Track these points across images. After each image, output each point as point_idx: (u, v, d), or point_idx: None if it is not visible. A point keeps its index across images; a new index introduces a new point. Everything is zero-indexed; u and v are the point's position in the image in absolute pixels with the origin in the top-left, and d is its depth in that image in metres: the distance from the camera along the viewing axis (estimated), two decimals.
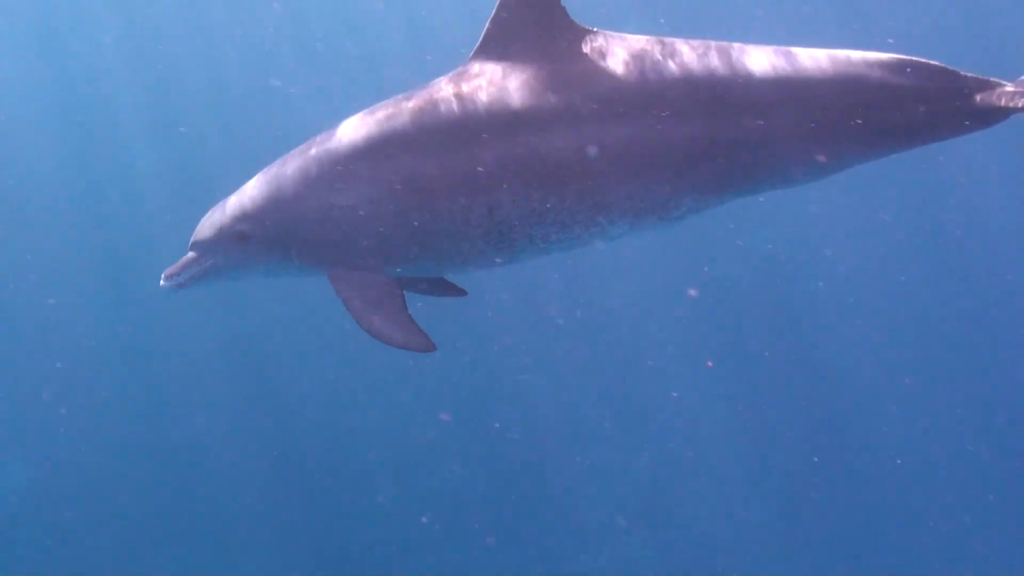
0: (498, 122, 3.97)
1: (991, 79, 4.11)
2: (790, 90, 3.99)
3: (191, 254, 4.76)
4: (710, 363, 13.24)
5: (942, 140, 4.27)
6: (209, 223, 4.70)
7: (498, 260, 4.34)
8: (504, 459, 13.03)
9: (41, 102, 18.46)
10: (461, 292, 4.84)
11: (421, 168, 4.06)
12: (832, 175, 4.31)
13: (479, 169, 3.98)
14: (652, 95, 3.93)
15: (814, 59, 4.05)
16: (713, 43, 4.05)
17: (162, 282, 4.79)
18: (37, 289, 15.29)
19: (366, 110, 4.30)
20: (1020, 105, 4.00)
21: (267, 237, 4.50)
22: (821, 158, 4.16)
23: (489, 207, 4.05)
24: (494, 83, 4.01)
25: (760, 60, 4.02)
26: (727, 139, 3.98)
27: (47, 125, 18.08)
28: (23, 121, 18.13)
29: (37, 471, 14.07)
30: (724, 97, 3.95)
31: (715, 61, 3.98)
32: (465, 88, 4.03)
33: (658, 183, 4.03)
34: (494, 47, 4.06)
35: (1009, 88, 4.08)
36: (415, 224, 4.14)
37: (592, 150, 3.94)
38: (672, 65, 3.96)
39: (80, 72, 18.84)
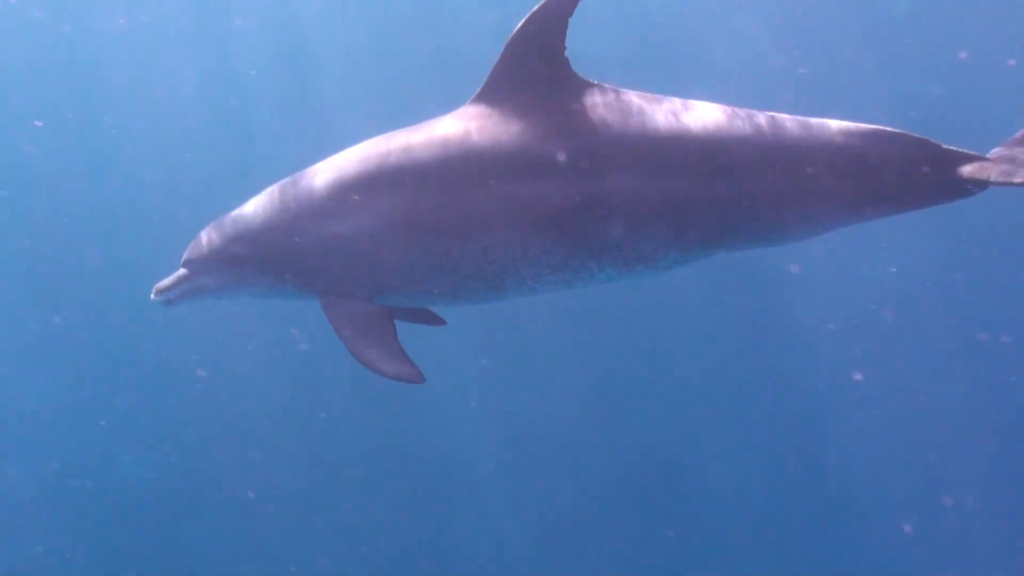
0: (498, 166, 4.06)
1: (969, 152, 4.28)
2: (777, 154, 4.13)
3: (183, 271, 4.81)
4: None
5: (921, 208, 4.40)
6: (204, 242, 4.73)
7: (488, 297, 4.42)
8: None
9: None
10: (440, 321, 4.91)
11: (420, 205, 4.12)
12: (813, 237, 4.47)
13: (477, 210, 4.07)
14: (647, 151, 4.05)
15: (802, 126, 4.21)
16: (707, 104, 4.20)
17: (152, 296, 4.84)
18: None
19: (369, 141, 4.36)
20: (996, 178, 4.15)
21: (261, 261, 4.54)
22: (803, 221, 4.32)
23: (484, 247, 4.14)
24: (496, 126, 4.09)
25: (751, 124, 4.16)
26: (716, 197, 4.12)
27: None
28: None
29: (149, 464, 14.22)
30: (715, 157, 4.09)
31: (709, 122, 4.12)
32: (468, 129, 4.12)
33: (648, 235, 4.16)
34: (497, 91, 4.15)
35: (986, 161, 4.24)
36: (410, 259, 4.21)
37: (587, 200, 4.04)
38: (668, 123, 4.08)
39: None
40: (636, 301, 13.49)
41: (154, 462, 14.05)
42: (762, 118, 4.20)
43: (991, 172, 4.17)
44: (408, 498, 13.19)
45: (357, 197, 4.22)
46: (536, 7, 3.96)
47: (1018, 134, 4.36)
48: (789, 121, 4.23)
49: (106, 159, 17.30)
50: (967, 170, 4.21)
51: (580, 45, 4.17)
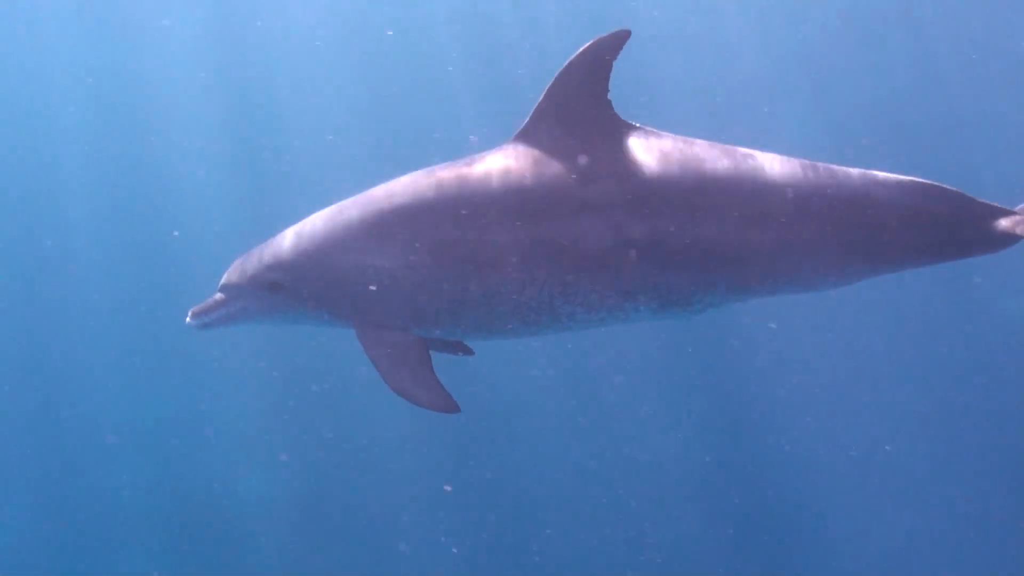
0: (538, 204, 4.11)
1: (1001, 206, 4.39)
2: (814, 203, 4.20)
3: (219, 296, 4.83)
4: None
5: (951, 261, 4.51)
6: (242, 268, 4.76)
7: (522, 332, 4.46)
8: None
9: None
10: (469, 352, 4.92)
11: (460, 239, 4.17)
12: (845, 286, 4.53)
13: (516, 247, 4.12)
14: (686, 195, 4.11)
15: (839, 176, 4.29)
16: (745, 151, 4.27)
17: (188, 319, 4.86)
18: None
19: (412, 174, 4.41)
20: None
21: (299, 289, 4.56)
22: (838, 271, 4.39)
23: (521, 284, 4.18)
24: (537, 165, 4.15)
25: (788, 172, 4.23)
26: (751, 244, 4.17)
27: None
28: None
29: (270, 481, 14.28)
30: (752, 204, 4.15)
31: (747, 169, 4.18)
32: (510, 166, 4.17)
33: (684, 279, 4.21)
34: (540, 130, 4.21)
35: (1017, 216, 4.37)
36: (448, 292, 4.24)
37: (625, 242, 4.09)
38: (706, 168, 4.15)
39: None
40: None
41: (273, 477, 14.11)
42: (799, 166, 4.27)
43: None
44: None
45: (399, 229, 4.27)
46: (583, 48, 4.03)
47: None
48: (825, 170, 4.30)
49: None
50: (1004, 224, 4.33)
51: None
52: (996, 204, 4.38)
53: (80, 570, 13.46)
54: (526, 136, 4.26)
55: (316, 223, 4.57)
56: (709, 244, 4.14)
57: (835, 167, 4.34)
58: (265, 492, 14.03)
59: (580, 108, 4.14)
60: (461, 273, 4.20)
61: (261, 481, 14.15)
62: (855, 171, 4.33)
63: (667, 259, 4.15)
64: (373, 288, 4.34)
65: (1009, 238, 4.34)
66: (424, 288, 4.26)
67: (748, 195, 4.16)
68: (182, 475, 14.19)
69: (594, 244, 4.10)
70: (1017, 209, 4.45)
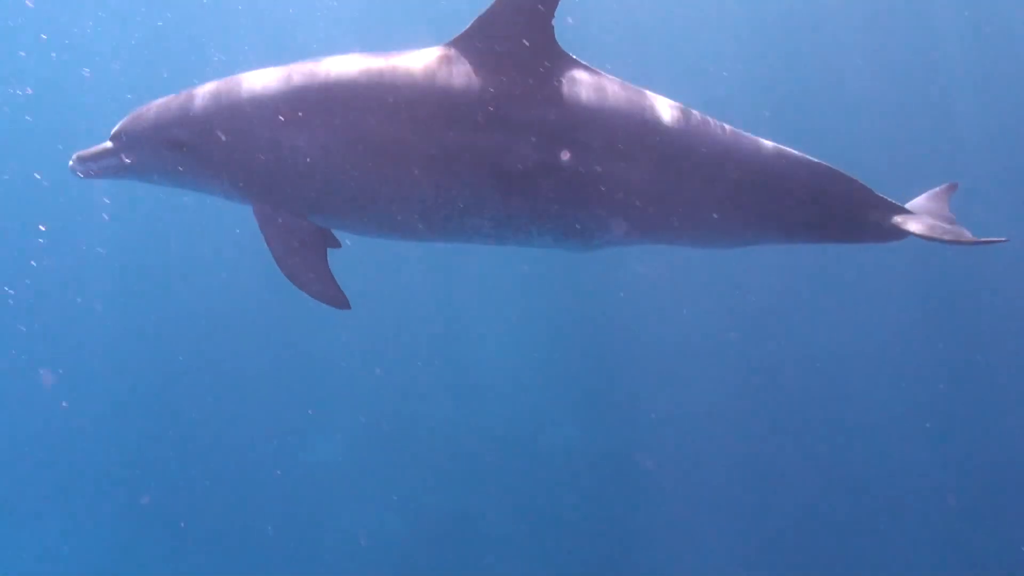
0: (464, 111, 4.09)
1: (896, 203, 4.62)
2: (724, 164, 4.34)
3: (109, 144, 4.58)
4: None
5: (839, 243, 4.76)
6: (144, 118, 4.50)
7: (425, 236, 4.45)
8: None
9: None
10: (336, 244, 4.69)
11: (382, 132, 4.11)
12: (740, 247, 4.72)
13: (437, 149, 4.10)
14: (604, 133, 4.17)
15: (752, 143, 4.44)
16: (671, 103, 4.36)
17: (71, 162, 4.60)
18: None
19: (342, 56, 4.29)
20: (919, 231, 4.52)
21: (204, 153, 4.36)
22: (735, 232, 4.56)
23: (436, 187, 4.16)
24: (469, 73, 4.12)
25: (705, 130, 4.35)
26: (659, 192, 4.28)
27: None
28: None
29: (342, 446, 14.32)
30: (665, 154, 4.25)
31: (668, 119, 4.28)
32: (442, 68, 4.13)
33: (591, 212, 4.28)
34: (477, 39, 4.16)
35: (909, 214, 4.62)
36: (359, 182, 4.18)
37: (540, 166, 4.13)
38: (631, 112, 4.21)
39: None
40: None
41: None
42: (718, 127, 4.39)
43: (914, 226, 4.54)
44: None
45: (320, 109, 4.16)
46: None
47: (936, 191, 4.84)
48: (743, 137, 4.44)
49: None
50: (895, 220, 4.56)
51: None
52: (891, 199, 4.60)
53: None
54: (463, 42, 4.20)
55: (235, 87, 4.36)
56: (617, 184, 4.22)
57: (751, 136, 4.47)
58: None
59: (522, 27, 4.10)
60: (377, 165, 4.14)
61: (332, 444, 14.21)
62: (769, 143, 4.48)
63: (577, 190, 4.21)
64: (283, 165, 4.22)
65: (897, 233, 4.58)
66: (336, 174, 4.18)
67: (662, 144, 4.25)
68: None
69: (510, 162, 4.12)
70: (907, 205, 4.70)
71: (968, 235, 4.51)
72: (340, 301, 4.33)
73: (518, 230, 4.36)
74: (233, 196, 4.52)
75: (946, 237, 4.47)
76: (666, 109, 4.30)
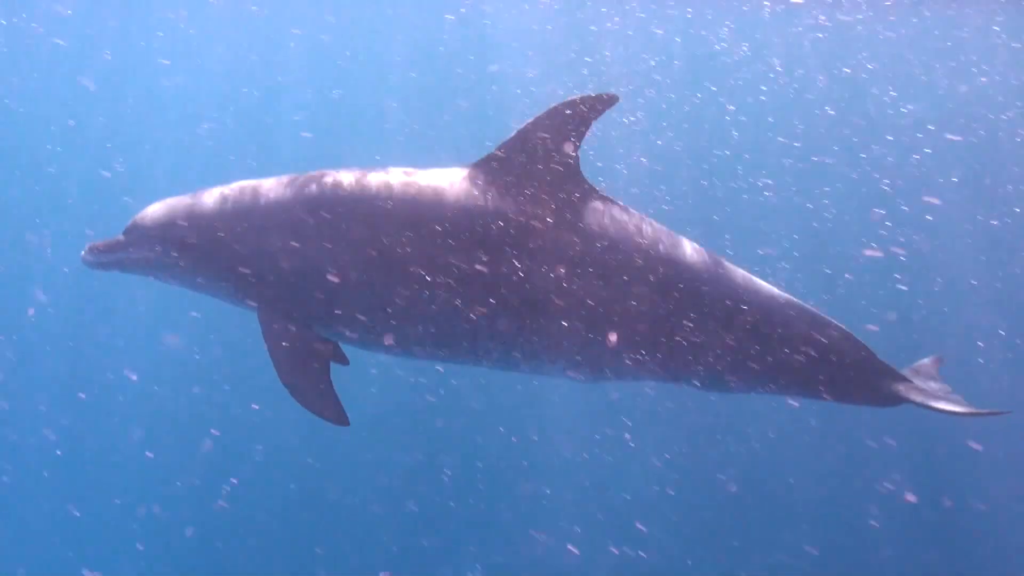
0: (483, 235, 4.03)
1: (896, 369, 4.58)
2: (741, 308, 4.28)
3: (122, 238, 4.54)
4: None
5: (834, 402, 4.64)
6: (155, 216, 4.46)
7: (434, 356, 4.34)
8: None
9: None
10: (344, 360, 4.57)
11: (398, 250, 4.03)
12: (742, 392, 4.61)
13: (453, 271, 4.02)
14: (624, 267, 4.11)
15: (769, 293, 4.40)
16: (697, 246, 4.32)
17: (83, 253, 4.58)
18: None
19: (360, 170, 4.24)
20: (915, 398, 4.48)
21: (210, 254, 4.30)
22: (742, 374, 4.43)
23: (450, 309, 4.06)
24: (492, 197, 4.09)
25: (726, 273, 4.31)
26: (676, 329, 4.20)
27: None
28: None
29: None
30: (685, 293, 4.19)
31: (691, 261, 4.24)
32: (465, 190, 4.10)
33: (604, 345, 4.17)
34: (502, 164, 4.13)
35: (908, 380, 4.58)
36: (372, 300, 4.08)
37: (556, 295, 4.05)
38: (652, 249, 4.17)
39: None
40: None
41: None
42: (733, 271, 4.35)
43: (915, 395, 4.50)
44: None
45: (337, 224, 4.09)
46: (569, 98, 4.03)
47: (925, 362, 4.82)
48: (757, 283, 4.41)
49: None
50: (895, 387, 4.51)
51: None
52: (891, 366, 4.57)
53: None
54: (487, 165, 4.18)
55: (248, 192, 4.30)
56: (633, 319, 4.15)
57: (765, 284, 4.45)
58: None
59: (548, 154, 4.10)
60: (389, 284, 4.05)
61: None
62: (781, 293, 4.45)
63: (592, 321, 4.12)
64: (293, 275, 4.12)
65: (895, 399, 4.53)
66: (348, 289, 4.08)
67: (679, 284, 4.20)
68: None
69: (526, 288, 4.05)
70: (906, 372, 4.66)
71: (966, 405, 4.47)
72: (339, 419, 4.17)
73: (529, 356, 4.26)
74: (238, 301, 4.41)
75: (946, 407, 4.42)
76: (686, 250, 4.27)
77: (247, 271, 4.23)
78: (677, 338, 4.23)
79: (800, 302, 4.48)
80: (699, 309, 4.24)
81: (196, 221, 4.33)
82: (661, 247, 4.21)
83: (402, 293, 4.06)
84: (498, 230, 4.05)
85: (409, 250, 4.03)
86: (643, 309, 4.15)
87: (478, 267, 4.03)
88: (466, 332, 4.15)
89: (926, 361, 4.87)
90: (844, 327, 4.50)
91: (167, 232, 4.40)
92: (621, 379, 4.46)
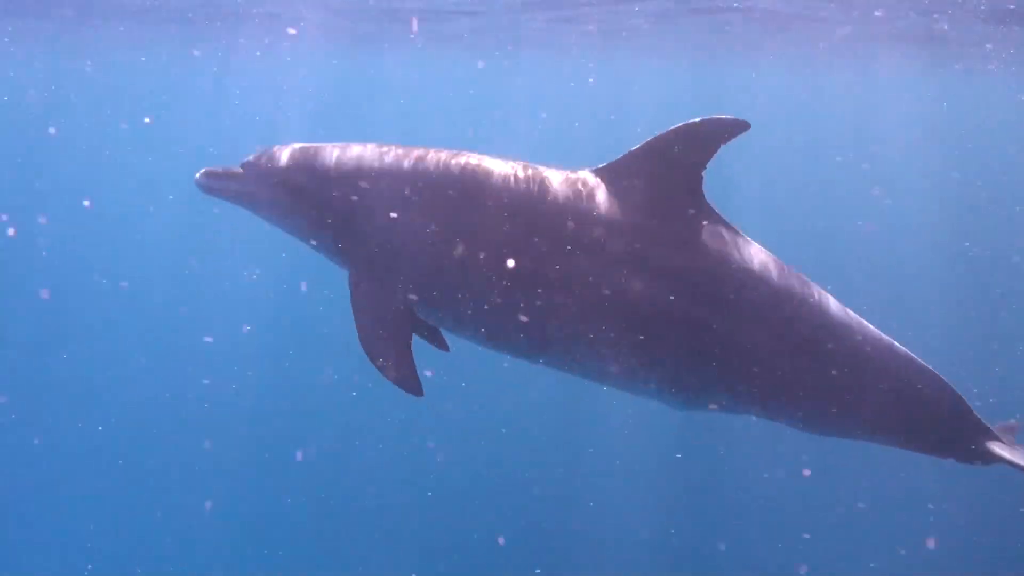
0: (595, 241, 4.00)
1: (988, 426, 4.46)
2: (842, 345, 4.18)
3: (239, 170, 4.63)
4: None
5: (921, 453, 4.53)
6: (278, 157, 4.54)
7: (521, 352, 4.32)
8: None
9: None
10: (444, 347, 4.73)
11: (507, 239, 4.03)
12: (826, 436, 4.52)
13: (560, 271, 4.00)
14: (736, 294, 4.03)
15: (866, 332, 4.27)
16: (803, 277, 4.23)
17: (197, 175, 4.65)
18: None
19: (494, 157, 4.26)
20: (1008, 456, 4.36)
21: (324, 206, 4.35)
22: (831, 421, 4.37)
23: (550, 307, 4.03)
24: (613, 205, 4.05)
25: (827, 306, 4.20)
26: (780, 362, 4.11)
27: None
28: None
29: None
30: (793, 324, 4.11)
31: (799, 292, 4.14)
32: (586, 194, 4.08)
33: (704, 371, 4.12)
34: (626, 171, 4.09)
35: (1004, 442, 4.46)
36: (471, 286, 4.09)
37: (663, 312, 3.99)
38: (764, 277, 4.08)
39: None
40: None
41: None
42: (832, 304, 4.24)
43: (1007, 453, 4.38)
44: None
45: (457, 204, 4.11)
46: (703, 118, 3.94)
47: (1000, 427, 4.61)
48: (869, 331, 4.29)
49: None
50: (991, 447, 4.40)
51: None
52: (984, 421, 4.45)
53: None
54: (611, 171, 4.14)
55: (373, 154, 4.35)
56: (737, 348, 4.08)
57: (867, 324, 4.33)
58: None
59: (673, 170, 4.04)
60: (493, 273, 4.05)
61: None
62: (884, 336, 4.34)
63: (695, 345, 4.07)
64: (404, 243, 4.16)
65: (989, 458, 4.41)
66: (452, 270, 4.10)
67: (787, 315, 4.11)
68: None
69: (632, 301, 3.99)
70: (995, 428, 4.53)
71: None
72: (414, 389, 4.19)
73: (624, 371, 4.21)
74: (336, 259, 4.47)
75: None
76: (794, 281, 4.19)
77: (363, 234, 4.27)
78: (778, 374, 4.15)
79: (902, 347, 4.37)
80: (804, 348, 4.15)
81: (316, 170, 4.40)
82: (779, 280, 4.11)
83: (504, 285, 4.06)
84: (609, 235, 4.02)
85: (515, 243, 4.03)
86: (749, 341, 4.08)
87: (590, 271, 3.99)
88: (564, 335, 4.12)
89: (1011, 423, 4.72)
90: (943, 378, 4.38)
91: (286, 174, 4.48)
92: (716, 408, 4.38)
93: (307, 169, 4.42)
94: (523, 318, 4.09)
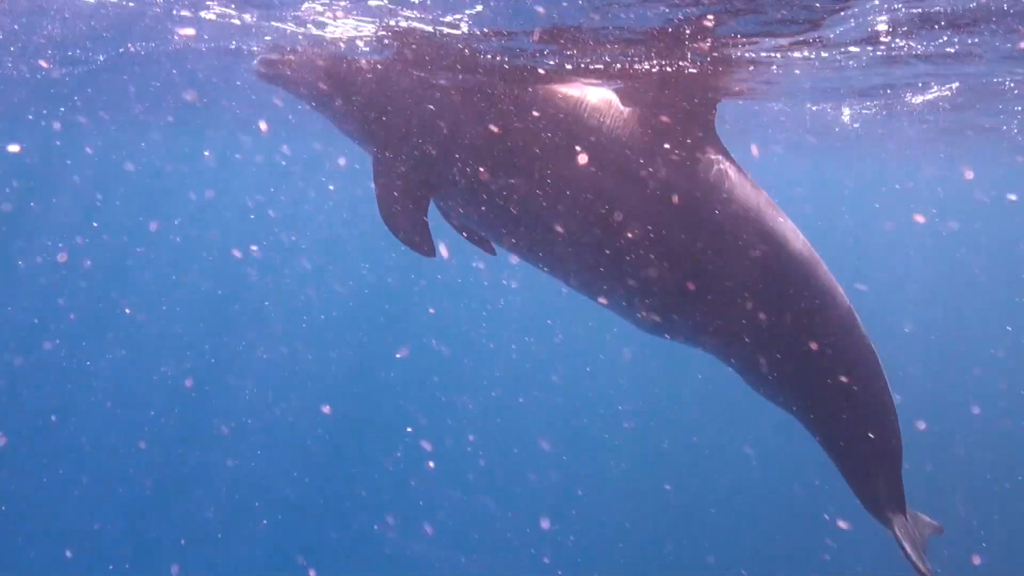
0: (607, 149, 4.20)
1: (903, 500, 4.50)
2: (822, 333, 4.31)
3: (292, 59, 4.96)
4: None
5: (837, 467, 4.55)
6: (327, 53, 5.02)
7: (514, 245, 4.50)
8: None
9: None
10: (491, 250, 4.88)
11: (525, 142, 4.26)
12: (767, 393, 4.55)
13: (584, 176, 4.19)
14: (726, 219, 4.17)
15: (853, 331, 4.40)
16: (801, 238, 4.35)
17: (255, 63, 5.02)
18: None
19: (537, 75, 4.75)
20: (900, 539, 4.42)
21: (361, 101, 4.68)
22: (779, 378, 4.40)
23: (542, 197, 4.22)
24: (632, 118, 4.27)
25: (824, 277, 4.34)
26: (762, 293, 4.23)
27: None
28: None
29: None
30: (776, 280, 4.24)
31: (796, 250, 4.28)
32: (605, 103, 4.31)
33: (692, 297, 4.21)
34: (652, 91, 4.47)
35: (905, 520, 4.51)
36: (495, 172, 4.28)
37: (657, 225, 4.14)
38: (758, 222, 4.22)
39: None
40: None
41: None
42: (832, 296, 4.36)
43: (903, 538, 4.43)
44: None
45: (480, 96, 4.43)
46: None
47: (930, 522, 4.66)
48: (847, 313, 4.39)
49: None
50: (894, 521, 4.48)
51: None
52: (903, 493, 4.52)
53: None
54: (634, 89, 4.44)
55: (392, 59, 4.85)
56: (727, 273, 4.20)
57: (856, 318, 4.44)
58: None
59: (690, 103, 4.37)
60: (507, 163, 4.25)
61: None
62: (866, 336, 4.43)
63: (685, 265, 4.18)
64: (426, 128, 4.43)
65: (885, 523, 4.49)
66: (468, 159, 4.33)
67: (765, 251, 4.22)
68: None
69: (635, 206, 4.16)
70: (920, 515, 4.61)
71: (922, 566, 4.36)
72: (427, 249, 4.37)
73: (610, 271, 4.31)
74: (361, 137, 4.76)
75: (909, 552, 4.37)
76: (797, 240, 4.33)
77: (388, 121, 4.58)
78: (752, 310, 4.23)
79: (876, 357, 4.44)
80: (787, 297, 4.26)
81: (359, 69, 4.79)
82: (771, 224, 4.27)
83: (500, 173, 4.27)
84: (619, 147, 4.22)
85: (533, 144, 4.25)
86: (742, 265, 4.20)
87: (586, 172, 4.19)
88: (572, 249, 4.29)
89: (932, 522, 4.69)
90: (895, 417, 4.44)
91: (332, 67, 4.84)
92: (691, 336, 4.47)
93: (352, 66, 4.80)
94: (520, 209, 4.28)
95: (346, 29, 5.48)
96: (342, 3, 5.26)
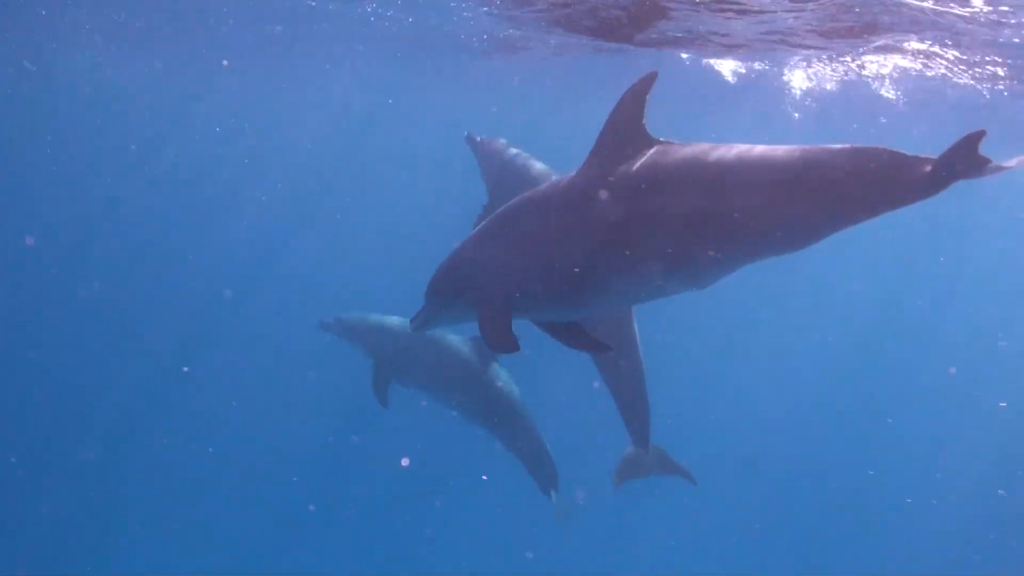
0: (593, 208, 5.23)
1: (926, 156, 5.20)
2: (781, 174, 5.16)
3: (425, 303, 5.66)
4: None
5: (895, 208, 5.28)
6: (441, 275, 5.58)
7: (589, 303, 5.51)
8: None
9: None
10: (607, 348, 5.55)
11: (566, 238, 5.28)
12: (814, 242, 5.45)
13: (591, 239, 5.24)
14: (679, 180, 5.19)
15: (793, 152, 5.24)
16: (732, 146, 5.27)
17: (411, 324, 5.75)
18: None
19: (533, 192, 5.55)
20: (951, 174, 5.05)
21: (476, 295, 5.44)
22: (805, 232, 5.32)
23: (603, 266, 5.29)
24: (592, 183, 5.27)
25: (770, 154, 5.21)
26: (738, 213, 5.17)
27: None
28: None
29: None
30: (746, 183, 5.13)
31: (732, 156, 5.21)
32: (579, 188, 5.33)
33: (696, 243, 5.23)
34: (599, 154, 5.35)
35: (937, 161, 5.12)
36: (553, 273, 5.28)
37: (641, 220, 5.17)
38: (709, 161, 5.19)
39: None
40: None
41: None
42: (780, 150, 5.22)
43: (949, 170, 4.90)
44: None
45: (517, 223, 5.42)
46: (623, 94, 5.23)
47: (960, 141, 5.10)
48: (781, 150, 5.30)
49: None
50: (927, 170, 4.99)
51: None
52: (922, 155, 5.19)
53: None
54: (590, 160, 5.41)
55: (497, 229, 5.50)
56: (710, 216, 5.17)
57: (789, 147, 5.28)
58: None
59: (624, 134, 5.32)
60: (558, 259, 5.27)
61: None
62: (804, 147, 5.26)
63: (677, 228, 5.18)
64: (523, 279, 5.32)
65: (935, 182, 5.07)
66: (530, 272, 5.31)
67: (736, 175, 5.15)
68: None
69: (617, 223, 5.22)
70: (937, 157, 5.08)
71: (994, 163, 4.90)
72: (513, 349, 5.39)
73: (643, 278, 5.37)
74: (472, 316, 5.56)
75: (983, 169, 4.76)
76: (725, 150, 5.24)
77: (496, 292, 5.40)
78: (766, 219, 5.18)
79: (819, 146, 5.20)
80: (776, 186, 5.12)
81: (465, 274, 5.51)
82: (729, 155, 5.17)
83: (567, 264, 5.27)
84: (608, 201, 5.24)
85: (569, 235, 5.28)
86: (719, 201, 5.16)
87: (606, 228, 5.23)
88: (616, 277, 5.38)
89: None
90: (864, 145, 5.22)
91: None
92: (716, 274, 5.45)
93: (458, 276, 5.52)
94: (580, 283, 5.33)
95: None
96: None
